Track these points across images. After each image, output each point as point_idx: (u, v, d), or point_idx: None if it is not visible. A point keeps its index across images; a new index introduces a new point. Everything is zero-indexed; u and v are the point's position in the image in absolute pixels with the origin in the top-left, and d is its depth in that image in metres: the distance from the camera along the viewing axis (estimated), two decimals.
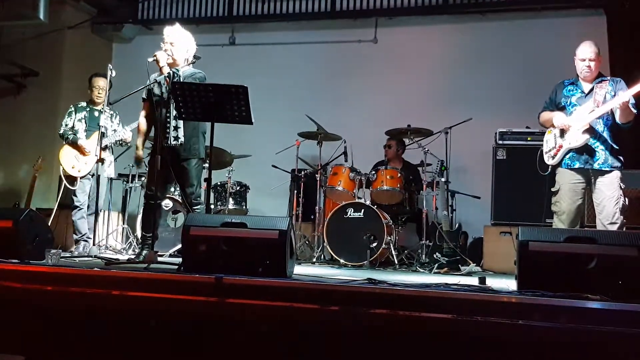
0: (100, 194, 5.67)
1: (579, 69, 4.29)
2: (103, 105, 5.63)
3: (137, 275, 3.25)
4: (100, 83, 5.82)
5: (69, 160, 5.74)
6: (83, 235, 5.70)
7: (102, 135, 5.43)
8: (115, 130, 5.84)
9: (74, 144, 5.75)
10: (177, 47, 4.53)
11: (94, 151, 5.61)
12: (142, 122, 4.78)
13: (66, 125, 5.84)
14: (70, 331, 3.03)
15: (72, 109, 5.90)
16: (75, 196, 5.74)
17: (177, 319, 2.91)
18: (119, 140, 5.86)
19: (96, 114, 5.81)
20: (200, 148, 4.68)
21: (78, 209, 5.72)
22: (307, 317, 2.76)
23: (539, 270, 3.03)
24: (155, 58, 4.45)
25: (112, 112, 5.88)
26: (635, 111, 4.05)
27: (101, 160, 5.38)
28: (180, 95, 4.10)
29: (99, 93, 5.84)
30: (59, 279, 3.18)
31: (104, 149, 5.49)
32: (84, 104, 5.93)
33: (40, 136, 7.88)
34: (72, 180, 5.72)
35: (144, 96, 4.71)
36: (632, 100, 4.04)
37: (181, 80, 4.33)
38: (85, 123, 5.82)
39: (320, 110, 7.04)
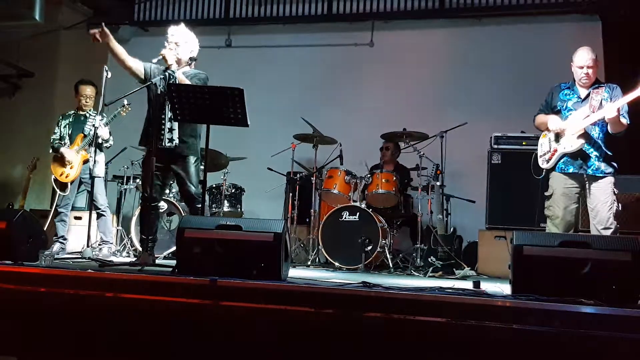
0: (96, 195, 5.64)
1: (577, 76, 4.24)
2: (89, 110, 5.78)
3: (130, 277, 3.24)
4: (87, 91, 5.86)
5: (58, 168, 5.74)
6: (59, 237, 5.70)
7: (85, 136, 5.66)
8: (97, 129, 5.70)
9: (58, 152, 5.74)
10: (182, 47, 4.52)
11: (75, 159, 5.68)
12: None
13: (55, 134, 5.84)
14: (63, 333, 3.02)
15: (60, 118, 5.93)
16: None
17: (171, 321, 2.90)
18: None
19: (82, 118, 5.84)
20: (198, 148, 4.67)
21: (59, 212, 5.76)
22: (302, 320, 2.76)
23: (533, 274, 3.04)
24: (162, 56, 4.41)
25: (99, 115, 5.74)
26: (626, 121, 4.07)
27: (86, 160, 5.57)
28: (176, 97, 4.09)
29: (85, 101, 5.87)
30: (53, 281, 3.17)
31: (87, 148, 5.63)
32: (71, 112, 5.93)
33: (35, 137, 7.84)
34: (63, 186, 5.72)
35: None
36: (626, 108, 4.06)
37: (177, 82, 4.32)
38: (70, 128, 5.82)
39: (316, 113, 7.04)
